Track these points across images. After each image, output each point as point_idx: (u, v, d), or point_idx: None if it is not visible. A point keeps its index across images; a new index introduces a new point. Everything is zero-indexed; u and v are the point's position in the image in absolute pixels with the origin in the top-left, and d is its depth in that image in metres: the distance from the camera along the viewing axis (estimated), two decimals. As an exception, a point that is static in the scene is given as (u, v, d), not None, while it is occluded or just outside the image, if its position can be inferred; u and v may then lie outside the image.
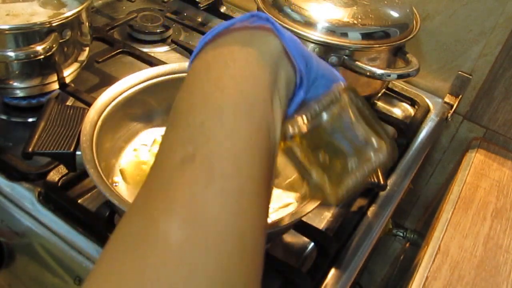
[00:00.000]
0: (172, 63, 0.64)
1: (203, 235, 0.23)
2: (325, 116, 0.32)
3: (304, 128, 0.31)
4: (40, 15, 0.66)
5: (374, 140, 0.33)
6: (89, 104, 0.61)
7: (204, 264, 0.22)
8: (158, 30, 0.89)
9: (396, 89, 0.84)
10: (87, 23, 0.70)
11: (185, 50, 0.82)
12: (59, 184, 0.57)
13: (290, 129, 0.31)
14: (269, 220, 0.48)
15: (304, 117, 0.31)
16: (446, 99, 0.84)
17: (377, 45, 0.66)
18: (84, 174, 0.58)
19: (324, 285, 0.54)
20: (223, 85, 0.29)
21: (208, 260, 0.22)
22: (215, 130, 0.27)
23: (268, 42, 0.32)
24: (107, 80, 0.77)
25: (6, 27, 0.60)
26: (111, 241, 0.24)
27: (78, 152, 0.51)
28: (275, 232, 0.47)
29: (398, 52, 0.70)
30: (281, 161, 0.32)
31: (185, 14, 0.98)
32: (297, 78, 0.33)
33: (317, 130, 0.32)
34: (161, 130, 0.64)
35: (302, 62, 0.33)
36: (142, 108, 0.62)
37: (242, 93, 0.29)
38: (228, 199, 0.25)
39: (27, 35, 0.62)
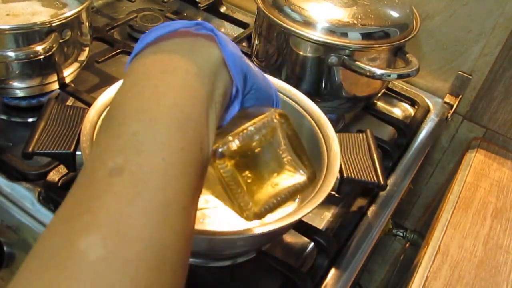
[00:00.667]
0: (172, 63, 0.63)
1: (123, 253, 0.23)
2: (256, 137, 0.33)
3: (234, 148, 0.33)
4: (40, 15, 0.66)
5: (298, 166, 0.35)
6: (89, 104, 0.61)
7: (121, 283, 0.22)
8: (158, 30, 0.88)
9: (396, 89, 0.84)
10: (87, 23, 0.70)
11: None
12: (59, 184, 0.57)
13: (221, 148, 0.32)
14: (269, 220, 0.48)
15: (236, 138, 0.33)
16: (446, 99, 0.84)
17: (377, 45, 0.66)
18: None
19: (324, 285, 0.54)
20: (160, 95, 0.29)
21: (125, 279, 0.22)
22: (146, 142, 0.26)
23: (208, 53, 0.32)
24: (107, 80, 0.78)
25: (6, 27, 0.60)
26: (29, 257, 0.24)
27: (78, 152, 0.51)
28: (275, 232, 0.47)
29: (398, 52, 0.70)
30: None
31: (185, 14, 0.98)
32: (233, 90, 0.33)
33: (246, 150, 0.33)
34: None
35: (240, 76, 0.33)
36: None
37: (178, 105, 0.28)
38: (152, 214, 0.25)
39: (27, 35, 0.62)
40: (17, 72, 0.65)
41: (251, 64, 0.36)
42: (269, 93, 0.38)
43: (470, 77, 0.82)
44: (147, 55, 0.32)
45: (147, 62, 0.31)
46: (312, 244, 0.58)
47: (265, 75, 0.39)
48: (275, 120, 0.34)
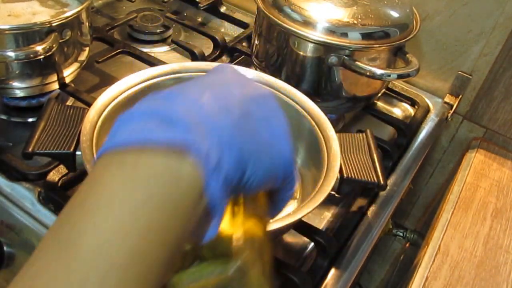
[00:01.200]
0: (172, 63, 0.64)
1: None
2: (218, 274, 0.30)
3: None
4: (40, 15, 0.66)
5: None
6: (89, 104, 0.61)
7: None
8: (158, 30, 0.89)
9: (396, 89, 0.84)
10: (87, 23, 0.70)
11: (185, 50, 0.82)
12: (59, 184, 0.57)
13: None
14: (270, 220, 0.48)
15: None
16: (446, 99, 0.84)
17: (377, 45, 0.66)
18: (84, 174, 0.58)
19: (324, 285, 0.54)
20: (108, 239, 0.23)
21: None
22: None
23: (186, 180, 0.26)
24: (107, 80, 0.77)
25: (6, 27, 0.60)
26: None
27: (78, 152, 0.51)
28: (275, 232, 0.47)
29: (398, 52, 0.70)
30: None
31: (185, 14, 0.98)
32: (211, 212, 0.27)
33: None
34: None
35: (222, 193, 0.27)
36: (142, 108, 0.62)
37: (129, 256, 0.23)
38: None
39: (27, 35, 0.61)
40: (17, 72, 0.65)
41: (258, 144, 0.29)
42: (275, 175, 0.31)
43: (470, 77, 0.82)
44: (112, 169, 0.26)
45: (108, 182, 0.25)
46: (312, 244, 0.58)
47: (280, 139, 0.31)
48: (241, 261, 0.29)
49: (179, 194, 0.25)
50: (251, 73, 0.63)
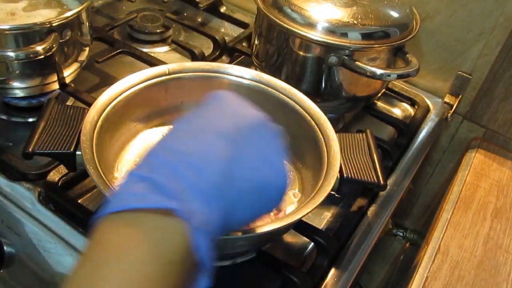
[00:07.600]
0: (172, 63, 0.64)
1: None
2: None
3: None
4: (40, 15, 0.66)
5: None
6: (89, 104, 0.61)
7: None
8: (158, 30, 0.89)
9: (396, 89, 0.84)
10: (87, 23, 0.70)
11: (185, 50, 0.82)
12: (59, 184, 0.57)
13: None
14: (270, 220, 0.48)
15: None
16: (446, 99, 0.84)
17: (377, 45, 0.66)
18: (84, 174, 0.58)
19: (324, 285, 0.54)
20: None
21: None
22: None
23: (177, 241, 0.30)
24: (107, 80, 0.77)
25: (6, 27, 0.60)
26: None
27: (78, 152, 0.51)
28: (275, 232, 0.47)
29: (398, 52, 0.70)
30: None
31: (185, 14, 0.98)
32: (200, 266, 0.32)
33: None
34: (161, 130, 0.64)
35: (209, 247, 0.31)
36: (142, 108, 0.62)
37: None
38: None
39: (27, 35, 0.61)
40: (17, 72, 0.65)
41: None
42: (266, 209, 0.36)
43: (470, 77, 0.82)
44: (114, 229, 0.31)
45: (112, 239, 0.30)
46: (312, 244, 0.58)
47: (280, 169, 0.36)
48: None
49: (171, 252, 0.30)
50: (251, 73, 0.63)
